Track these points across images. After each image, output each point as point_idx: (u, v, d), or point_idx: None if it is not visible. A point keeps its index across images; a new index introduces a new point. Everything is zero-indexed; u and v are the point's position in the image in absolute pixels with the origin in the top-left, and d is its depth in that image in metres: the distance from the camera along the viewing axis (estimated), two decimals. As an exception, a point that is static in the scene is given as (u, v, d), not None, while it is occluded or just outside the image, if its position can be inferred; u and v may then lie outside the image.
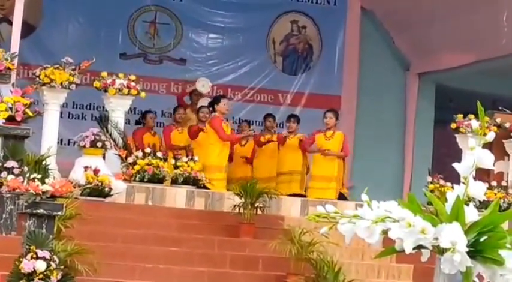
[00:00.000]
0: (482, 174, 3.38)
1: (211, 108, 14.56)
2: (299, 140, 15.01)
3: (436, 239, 3.10)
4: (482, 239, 3.16)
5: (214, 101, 14.78)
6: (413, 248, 3.15)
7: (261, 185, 13.15)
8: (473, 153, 3.26)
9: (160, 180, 12.89)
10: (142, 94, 13.37)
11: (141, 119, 15.62)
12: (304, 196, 14.48)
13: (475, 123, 3.29)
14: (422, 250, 3.18)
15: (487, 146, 3.33)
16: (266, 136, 15.53)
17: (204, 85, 15.22)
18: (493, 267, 3.16)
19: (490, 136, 3.32)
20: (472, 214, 3.19)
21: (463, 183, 3.27)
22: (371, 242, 3.21)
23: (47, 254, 8.89)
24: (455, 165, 3.30)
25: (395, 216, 3.14)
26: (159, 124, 16.22)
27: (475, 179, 3.29)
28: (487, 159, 3.25)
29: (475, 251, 3.13)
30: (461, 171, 3.27)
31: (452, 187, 3.30)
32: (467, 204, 3.23)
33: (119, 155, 12.98)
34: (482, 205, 3.40)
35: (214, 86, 18.01)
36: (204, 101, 15.19)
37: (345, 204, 12.62)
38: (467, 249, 3.08)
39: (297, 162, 15.15)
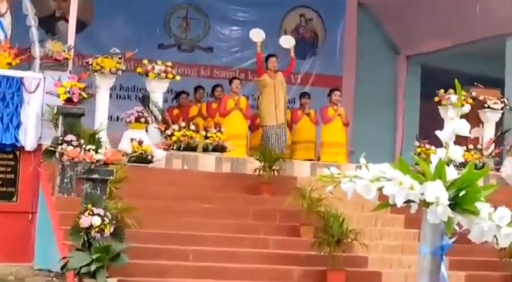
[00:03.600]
0: (460, 139, 3.35)
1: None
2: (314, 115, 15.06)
3: (423, 194, 3.09)
4: (461, 194, 3.14)
5: (229, 81, 14.86)
6: (404, 202, 3.14)
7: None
8: (453, 123, 3.25)
9: (193, 149, 12.90)
10: (177, 77, 13.37)
11: (176, 97, 15.70)
12: (318, 160, 14.51)
13: (454, 98, 3.27)
14: (411, 204, 3.17)
15: (464, 116, 3.31)
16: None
17: (257, 35, 14.92)
18: (470, 217, 3.14)
19: (466, 108, 3.30)
20: (452, 173, 3.17)
21: (445, 147, 3.25)
22: (368, 197, 3.20)
23: (101, 211, 8.94)
24: (438, 132, 3.28)
25: (388, 176, 3.13)
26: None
27: (455, 143, 3.28)
28: (464, 127, 3.23)
29: (455, 204, 3.11)
30: (443, 137, 3.25)
31: (436, 150, 3.28)
32: (448, 165, 3.21)
33: (159, 128, 12.99)
34: (461, 165, 3.37)
35: (236, 69, 18.06)
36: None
37: (347, 166, 12.62)
38: (448, 203, 3.07)
39: (312, 133, 15.11)
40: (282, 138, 14.09)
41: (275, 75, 14.41)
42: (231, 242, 10.62)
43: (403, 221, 11.72)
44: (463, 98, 3.30)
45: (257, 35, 14.62)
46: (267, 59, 14.69)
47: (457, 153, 3.25)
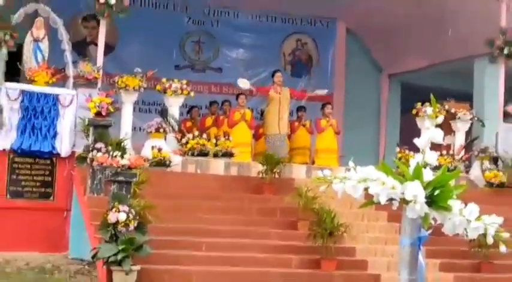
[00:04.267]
0: (435, 146, 3.35)
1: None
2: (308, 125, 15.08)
3: (403, 193, 3.10)
4: (435, 193, 3.14)
5: (236, 96, 14.84)
6: (386, 200, 3.15)
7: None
8: (428, 132, 3.25)
9: (205, 154, 12.89)
10: (191, 94, 13.35)
11: (189, 111, 15.73)
12: (312, 164, 14.51)
13: (429, 110, 3.27)
14: (393, 201, 3.17)
15: (438, 126, 3.32)
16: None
17: (243, 83, 14.67)
18: (443, 212, 3.15)
19: (440, 119, 3.31)
20: (428, 175, 3.18)
21: (422, 153, 3.26)
22: (356, 196, 3.20)
23: (126, 209, 8.94)
24: (416, 140, 3.29)
25: (373, 177, 3.13)
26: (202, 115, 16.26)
27: (430, 149, 3.28)
28: (438, 136, 3.24)
29: (431, 201, 3.12)
30: (420, 144, 3.26)
31: (414, 155, 3.28)
32: (425, 168, 3.22)
33: (176, 137, 12.99)
34: (435, 168, 3.38)
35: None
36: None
37: (338, 169, 12.60)
38: (425, 200, 3.07)
39: (308, 141, 15.11)
40: (283, 146, 14.04)
41: (281, 90, 14.32)
42: (238, 234, 10.60)
43: (386, 216, 11.69)
44: (437, 110, 3.30)
45: (243, 83, 14.38)
46: (273, 74, 14.64)
47: (432, 157, 3.26)
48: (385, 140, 18.89)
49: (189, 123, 15.01)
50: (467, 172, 14.16)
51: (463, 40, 15.84)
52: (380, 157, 18.38)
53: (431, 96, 3.41)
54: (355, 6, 17.32)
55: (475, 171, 14.15)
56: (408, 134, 14.48)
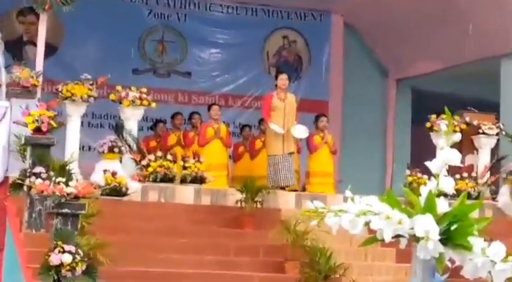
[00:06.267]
0: (454, 167, 3.37)
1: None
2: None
3: (412, 228, 3.11)
4: (452, 228, 3.15)
5: (208, 107, 14.82)
6: (392, 237, 3.15)
7: (260, 181, 13.17)
8: (442, 153, 3.27)
9: (170, 180, 12.88)
10: (153, 104, 13.36)
11: (153, 127, 15.77)
12: (303, 190, 14.46)
13: (444, 126, 3.29)
14: (400, 239, 3.18)
15: (458, 142, 3.34)
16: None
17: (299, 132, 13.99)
18: (462, 252, 3.16)
19: (457, 137, 3.33)
20: (443, 206, 3.19)
21: (435, 178, 3.27)
22: (355, 232, 3.21)
23: (72, 248, 8.90)
24: (428, 163, 3.30)
25: (375, 210, 3.14)
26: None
27: (448, 171, 3.30)
28: (454, 157, 3.26)
29: (447, 239, 3.13)
30: (433, 168, 3.27)
31: (429, 179, 3.30)
32: (439, 197, 3.23)
33: (134, 159, 12.97)
34: (454, 196, 3.39)
35: (216, 95, 18.11)
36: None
37: (334, 197, 12.62)
38: (439, 237, 3.08)
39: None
40: (290, 169, 13.69)
41: (285, 97, 13.95)
42: (211, 279, 10.58)
43: (395, 254, 11.71)
44: (455, 124, 3.32)
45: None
46: (276, 76, 14.32)
47: (449, 184, 3.27)
48: (393, 160, 18.94)
49: (153, 142, 14.95)
50: (493, 199, 14.22)
51: (486, 37, 15.95)
52: (386, 181, 18.43)
53: (446, 108, 3.42)
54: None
55: (504, 198, 14.20)
56: (421, 152, 14.59)
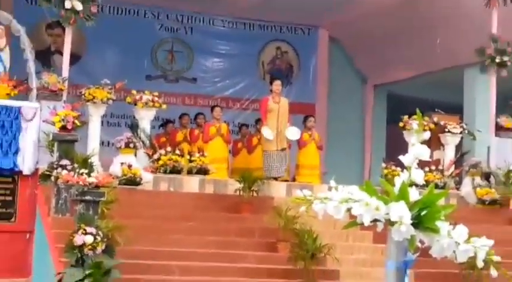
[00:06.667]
0: (424, 161, 3.38)
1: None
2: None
3: (387, 214, 3.11)
4: (422, 213, 3.16)
5: (211, 109, 14.81)
6: (370, 221, 3.16)
7: (256, 173, 13.17)
8: (414, 149, 3.27)
9: (178, 172, 12.86)
10: (163, 106, 13.35)
11: (163, 125, 15.74)
12: (293, 181, 14.47)
13: (415, 125, 3.29)
14: (377, 223, 3.18)
15: (427, 140, 3.34)
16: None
17: (292, 134, 13.97)
18: (431, 234, 3.16)
19: (426, 135, 3.33)
20: (414, 194, 3.20)
21: (407, 170, 3.28)
22: (338, 217, 3.21)
23: (93, 230, 8.89)
24: (401, 157, 3.30)
25: (356, 198, 3.14)
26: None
27: (418, 165, 3.30)
28: (424, 153, 3.26)
29: (417, 223, 3.13)
30: (405, 162, 3.28)
31: (402, 171, 3.30)
32: (411, 187, 3.23)
33: (147, 153, 12.95)
34: (424, 186, 3.39)
35: (218, 98, 18.10)
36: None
37: (320, 187, 12.62)
38: (411, 222, 3.08)
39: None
40: (283, 162, 13.76)
41: (280, 100, 13.92)
42: (214, 257, 10.58)
43: (372, 236, 11.71)
44: (424, 124, 3.33)
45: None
46: (271, 82, 14.26)
47: (419, 176, 3.28)
48: (371, 154, 18.96)
49: (163, 139, 14.99)
50: (457, 189, 14.23)
51: (452, 49, 15.97)
52: (365, 173, 18.45)
53: (417, 110, 3.43)
54: (337, 13, 17.39)
55: (466, 188, 14.21)
56: (395, 147, 14.60)
